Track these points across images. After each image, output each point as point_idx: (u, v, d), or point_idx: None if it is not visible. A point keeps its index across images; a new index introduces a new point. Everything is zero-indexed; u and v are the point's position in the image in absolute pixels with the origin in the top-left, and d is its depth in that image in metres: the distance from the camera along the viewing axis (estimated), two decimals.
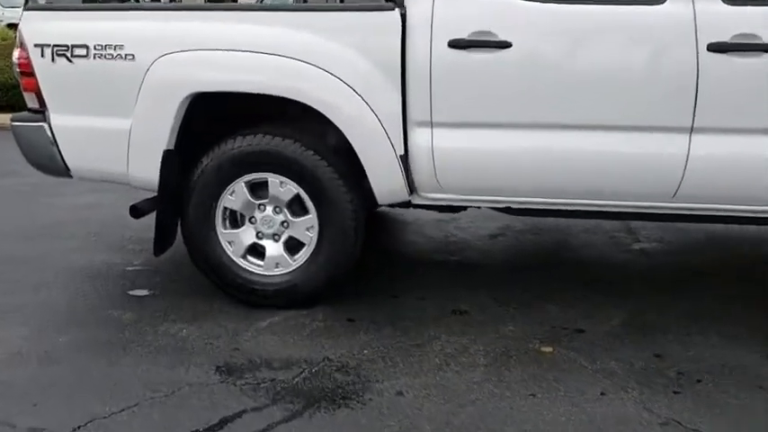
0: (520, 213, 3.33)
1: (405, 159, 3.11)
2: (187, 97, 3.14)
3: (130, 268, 3.95)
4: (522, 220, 4.54)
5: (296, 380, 2.71)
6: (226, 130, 3.31)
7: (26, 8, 3.38)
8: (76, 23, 3.29)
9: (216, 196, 3.26)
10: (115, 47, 3.17)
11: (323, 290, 3.31)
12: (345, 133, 3.08)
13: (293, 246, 3.31)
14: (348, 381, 2.71)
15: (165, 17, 3.24)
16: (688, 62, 2.82)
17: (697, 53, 2.81)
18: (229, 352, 2.94)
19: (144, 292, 3.57)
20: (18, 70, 3.37)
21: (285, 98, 3.09)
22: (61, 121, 3.34)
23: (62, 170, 3.45)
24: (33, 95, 3.36)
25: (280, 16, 3.15)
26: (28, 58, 3.29)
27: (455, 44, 2.95)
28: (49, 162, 3.43)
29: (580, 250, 4.25)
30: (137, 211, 3.40)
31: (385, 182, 3.15)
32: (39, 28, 3.30)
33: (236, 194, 3.25)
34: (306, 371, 2.78)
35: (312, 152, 3.16)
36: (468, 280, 3.74)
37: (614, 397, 2.59)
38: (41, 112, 3.36)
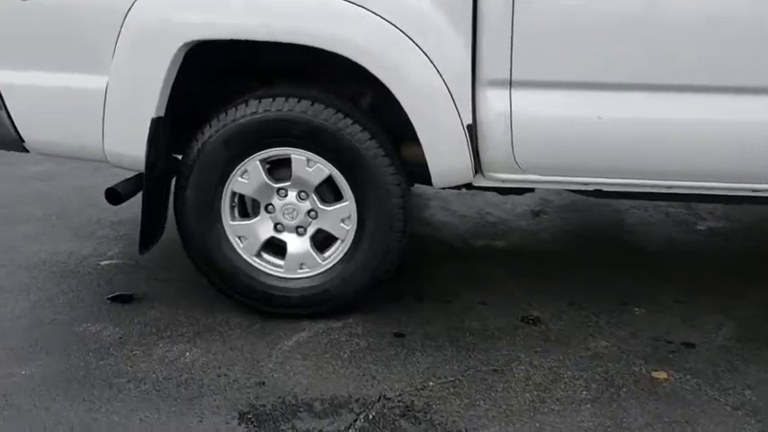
0: (607, 196, 2.65)
1: (472, 130, 2.39)
2: (183, 47, 2.35)
3: (105, 262, 3.17)
4: (557, 192, 3.89)
5: None
6: (232, 92, 2.54)
7: None
8: None
9: (222, 178, 2.50)
10: None
11: (361, 296, 2.61)
12: (397, 96, 2.34)
13: (322, 241, 2.59)
14: None
15: None
16: None
17: None
18: (253, 389, 2.23)
19: (126, 298, 2.81)
20: None
21: (316, 49, 2.32)
22: (10, 78, 2.52)
23: (14, 142, 2.64)
24: None
25: None
26: None
27: None
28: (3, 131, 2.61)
29: (641, 232, 3.61)
30: (115, 196, 2.62)
31: (446, 160, 2.43)
32: None
33: (248, 176, 2.49)
34: (361, 417, 2.09)
35: (351, 121, 2.41)
36: (525, 274, 3.07)
37: None
38: None
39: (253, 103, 2.41)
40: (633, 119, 2.30)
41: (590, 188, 2.54)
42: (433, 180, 2.49)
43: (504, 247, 3.42)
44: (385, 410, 2.12)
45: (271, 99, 2.40)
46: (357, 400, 2.17)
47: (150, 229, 2.60)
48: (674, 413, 2.12)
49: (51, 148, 2.67)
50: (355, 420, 2.08)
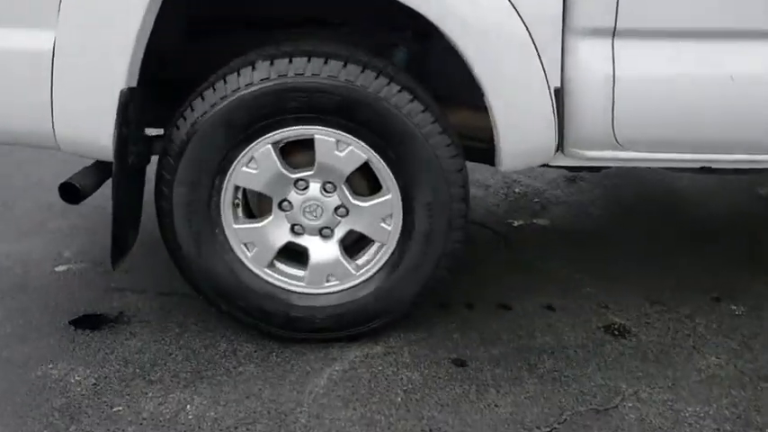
0: (713, 173, 2.10)
1: (559, 95, 1.79)
2: None
3: (62, 267, 2.50)
4: None
5: None
6: (223, 52, 1.88)
7: None
8: None
9: (221, 169, 1.85)
10: None
11: (407, 311, 2.02)
12: (460, 46, 1.71)
13: (352, 244, 1.98)
14: None
15: None
16: None
17: None
18: None
19: (95, 321, 2.16)
20: None
21: None
22: None
23: None
24: None
25: None
26: None
27: None
28: None
29: (697, 200, 3.09)
30: (74, 193, 1.95)
31: (524, 134, 1.84)
32: None
33: (257, 164, 1.85)
34: None
35: (398, 87, 1.77)
36: (583, 261, 2.52)
37: None
38: None
39: (262, 66, 1.75)
40: None
41: (699, 165, 1.97)
42: (503, 161, 1.89)
43: (548, 227, 2.86)
44: None
45: (287, 60, 1.74)
46: None
47: (124, 235, 1.95)
48: None
49: None
50: None
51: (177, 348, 2.03)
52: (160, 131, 1.99)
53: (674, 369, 1.96)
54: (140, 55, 1.73)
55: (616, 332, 2.14)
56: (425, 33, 1.95)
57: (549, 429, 1.73)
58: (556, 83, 1.76)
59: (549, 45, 1.72)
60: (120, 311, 2.21)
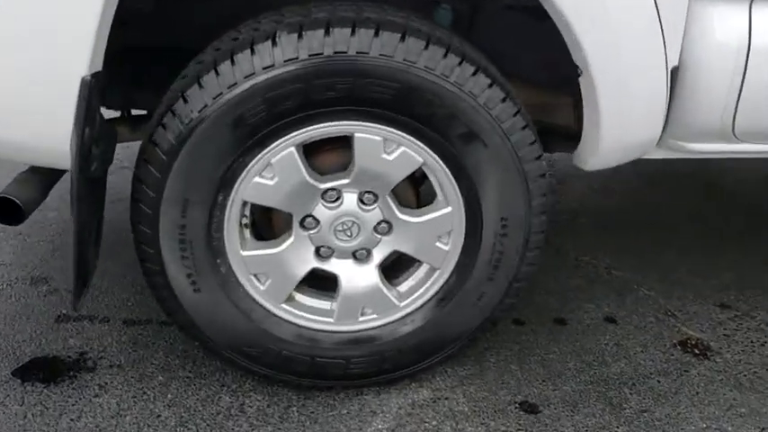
0: None
1: (675, 77, 1.37)
2: None
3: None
4: None
5: None
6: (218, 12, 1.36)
7: None
8: None
9: (226, 179, 1.35)
10: None
11: (464, 347, 1.61)
12: (572, 22, 1.25)
13: (390, 267, 1.54)
14: None
15: None
16: None
17: None
18: None
19: (47, 369, 1.65)
20: None
21: None
22: None
23: None
24: None
25: None
26: None
27: None
28: None
29: (743, 189, 2.77)
30: (14, 211, 1.41)
31: (631, 123, 1.41)
32: None
33: (275, 172, 1.36)
34: None
35: (473, 68, 1.30)
36: (631, 258, 2.19)
37: None
38: None
39: (287, 40, 1.23)
40: None
41: None
42: (594, 156, 1.46)
43: (585, 221, 2.47)
44: None
45: (322, 31, 1.23)
46: None
47: (86, 260, 1.43)
48: None
49: None
50: None
51: (166, 407, 1.55)
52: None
53: None
54: (108, 26, 1.19)
55: (696, 351, 1.80)
56: None
57: None
58: (674, 60, 1.34)
59: (672, 8, 1.28)
60: (80, 352, 1.71)
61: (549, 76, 1.55)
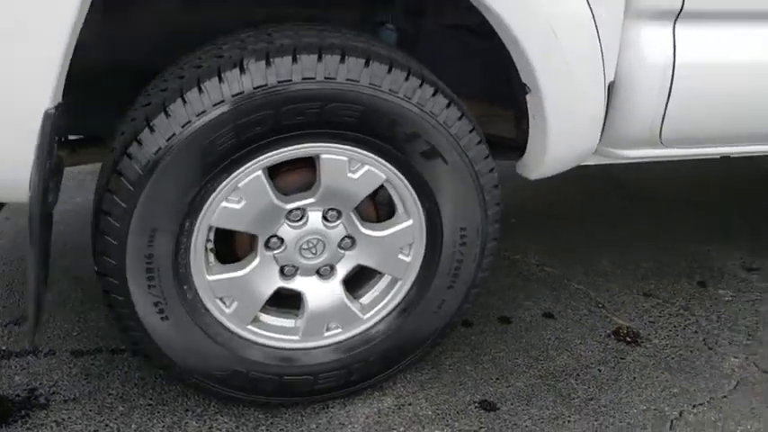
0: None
1: (611, 91, 1.49)
2: None
3: None
4: None
5: None
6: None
7: None
8: None
9: (193, 207, 1.34)
10: None
11: (425, 353, 1.68)
12: (525, 44, 1.34)
13: (354, 282, 1.58)
14: None
15: None
16: None
17: None
18: None
19: None
20: None
21: None
22: None
23: None
24: None
25: None
26: None
27: None
28: None
29: (657, 185, 2.99)
30: None
31: (572, 137, 1.52)
32: None
33: (242, 195, 1.37)
34: None
35: (432, 90, 1.37)
36: (558, 254, 2.33)
37: None
38: None
39: (256, 67, 1.25)
40: None
41: (726, 155, 1.79)
42: (539, 166, 1.57)
43: (514, 222, 2.59)
44: None
45: (290, 58, 1.26)
46: None
47: (42, 297, 1.39)
48: None
49: None
50: None
51: None
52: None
53: (703, 379, 1.81)
54: (69, 57, 1.16)
55: (628, 339, 1.96)
56: (417, 9, 1.56)
57: None
58: (611, 76, 1.46)
59: (610, 29, 1.40)
60: (28, 389, 1.64)
61: (491, 91, 1.64)
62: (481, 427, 1.61)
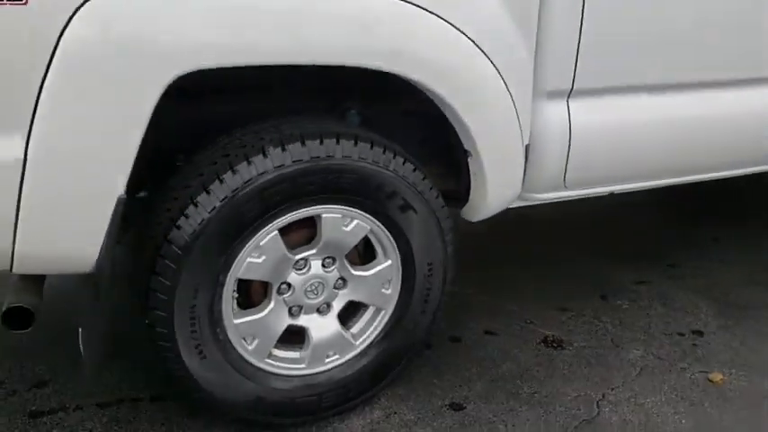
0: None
1: (527, 151, 2.00)
2: (165, 83, 1.47)
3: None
4: None
5: None
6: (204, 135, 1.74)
7: None
8: None
9: (227, 263, 1.70)
10: None
11: (408, 365, 2.08)
12: (469, 122, 1.81)
13: (345, 315, 1.97)
14: None
15: None
16: None
17: None
18: None
19: None
20: None
21: (356, 69, 1.66)
22: None
23: None
24: None
25: None
26: None
27: None
28: None
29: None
30: (26, 317, 1.64)
31: (502, 190, 2.00)
32: None
33: (262, 252, 1.74)
34: None
35: (402, 159, 1.81)
36: (488, 281, 2.79)
37: None
38: None
39: (275, 152, 1.64)
40: (698, 116, 2.15)
41: (619, 191, 2.33)
42: (480, 212, 2.04)
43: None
44: None
45: (299, 143, 1.66)
46: None
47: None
48: None
49: None
50: None
51: None
52: None
53: (616, 369, 2.30)
54: (135, 154, 1.51)
55: (554, 344, 2.43)
56: (376, 97, 2.01)
57: None
58: (527, 140, 1.95)
59: (524, 108, 1.90)
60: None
61: (438, 157, 2.08)
62: (454, 423, 2.01)
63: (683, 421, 2.07)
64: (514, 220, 3.36)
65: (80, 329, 1.76)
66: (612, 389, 2.20)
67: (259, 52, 1.53)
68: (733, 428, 2.06)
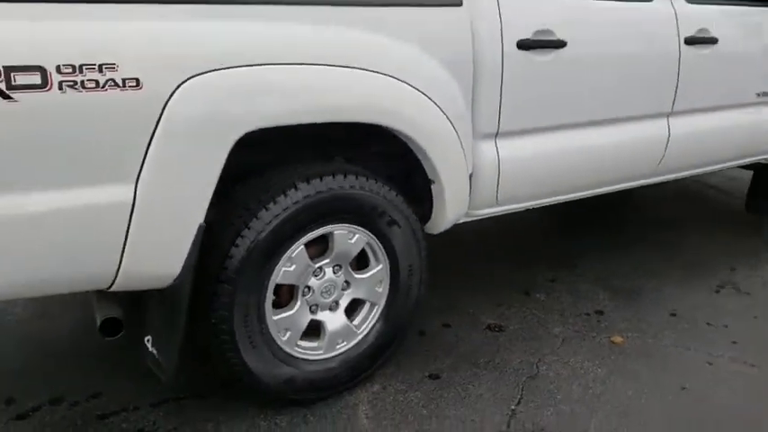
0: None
1: (471, 178, 2.71)
2: (236, 139, 2.06)
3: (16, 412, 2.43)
4: None
5: None
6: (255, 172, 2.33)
7: None
8: (7, 24, 1.77)
9: (268, 271, 2.28)
10: (101, 67, 1.85)
11: (395, 348, 2.68)
12: (434, 160, 2.49)
13: (350, 311, 2.58)
14: None
15: (179, 13, 1.99)
16: (675, 55, 3.15)
17: (679, 46, 3.16)
18: None
19: None
20: None
21: (359, 124, 2.31)
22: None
23: None
24: None
25: (333, 12, 2.26)
26: None
27: (523, 44, 2.64)
28: None
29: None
30: (116, 327, 2.15)
31: (456, 208, 2.69)
32: None
33: (293, 262, 2.32)
34: None
35: (388, 188, 2.46)
36: (452, 295, 3.46)
37: None
38: None
39: (303, 186, 2.25)
40: (581, 147, 2.94)
41: (539, 206, 3.07)
42: (440, 226, 2.71)
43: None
44: None
45: (319, 179, 2.28)
46: None
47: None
48: None
49: (34, 290, 2.00)
50: None
51: None
52: None
53: (545, 341, 3.01)
54: (212, 192, 2.07)
55: (496, 329, 3.11)
56: (357, 144, 2.65)
57: (519, 396, 2.61)
58: (470, 170, 2.66)
59: (468, 148, 2.61)
60: (137, 429, 2.35)
61: (403, 186, 2.73)
62: (435, 387, 2.63)
63: (599, 370, 2.80)
64: (448, 241, 4.09)
65: (148, 338, 2.27)
66: (545, 355, 2.90)
67: (302, 114, 2.14)
68: (634, 371, 2.80)
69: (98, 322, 2.15)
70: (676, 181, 3.70)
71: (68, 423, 2.39)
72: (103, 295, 2.22)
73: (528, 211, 3.10)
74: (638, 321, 3.23)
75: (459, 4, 2.48)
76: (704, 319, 3.27)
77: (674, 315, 3.30)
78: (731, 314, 3.34)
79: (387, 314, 2.59)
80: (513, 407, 2.55)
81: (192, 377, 2.55)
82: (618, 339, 3.05)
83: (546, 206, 3.15)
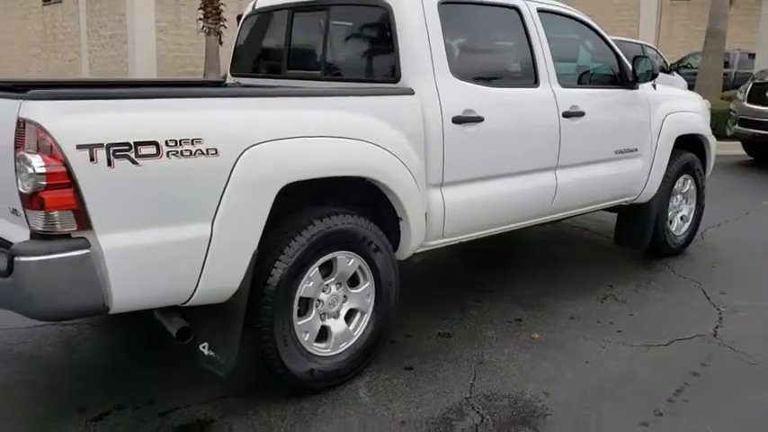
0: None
1: (425, 216, 3.68)
2: (279, 189, 2.93)
3: (86, 418, 3.06)
4: None
5: None
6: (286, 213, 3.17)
7: (49, 97, 2.42)
8: (137, 114, 2.57)
9: (296, 288, 3.11)
10: (193, 141, 2.68)
11: (381, 346, 3.53)
12: (403, 203, 3.43)
13: (347, 318, 3.42)
14: None
15: (239, 104, 2.87)
16: (556, 125, 4.32)
17: (559, 118, 4.34)
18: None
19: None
20: (43, 183, 2.40)
21: (352, 177, 3.23)
22: (118, 242, 2.56)
23: (97, 308, 2.61)
24: (66, 214, 2.46)
25: (332, 101, 3.21)
26: (65, 164, 2.42)
27: (456, 120, 3.70)
28: (85, 301, 2.56)
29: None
30: (188, 333, 2.91)
31: (418, 239, 3.63)
32: (80, 123, 2.45)
33: (311, 280, 3.17)
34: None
35: (372, 223, 3.38)
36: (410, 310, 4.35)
37: None
38: (75, 236, 2.50)
39: (318, 223, 3.13)
40: (503, 192, 3.99)
41: (478, 238, 4.07)
42: (404, 253, 3.64)
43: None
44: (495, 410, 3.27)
45: (327, 217, 3.17)
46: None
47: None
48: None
49: (136, 303, 2.71)
50: None
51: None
52: None
53: (484, 341, 3.96)
54: (263, 228, 2.90)
55: (446, 335, 4.03)
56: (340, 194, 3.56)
57: (473, 375, 3.52)
58: (425, 210, 3.64)
59: (423, 192, 3.58)
60: (197, 419, 3.05)
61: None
62: (411, 375, 3.49)
63: (527, 355, 3.77)
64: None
65: (204, 345, 3.01)
66: (486, 349, 3.85)
67: (320, 171, 3.04)
68: (551, 354, 3.80)
69: (174, 332, 2.87)
70: (560, 222, 4.85)
71: (137, 422, 3.05)
72: (168, 311, 2.95)
73: (454, 247, 4.10)
74: (548, 324, 4.25)
75: (413, 93, 3.50)
76: (595, 319, 4.35)
77: (572, 318, 4.36)
78: (614, 315, 4.44)
79: (374, 320, 3.45)
80: (471, 382, 3.46)
81: (229, 379, 3.27)
82: (536, 336, 4.05)
83: (466, 244, 4.15)
